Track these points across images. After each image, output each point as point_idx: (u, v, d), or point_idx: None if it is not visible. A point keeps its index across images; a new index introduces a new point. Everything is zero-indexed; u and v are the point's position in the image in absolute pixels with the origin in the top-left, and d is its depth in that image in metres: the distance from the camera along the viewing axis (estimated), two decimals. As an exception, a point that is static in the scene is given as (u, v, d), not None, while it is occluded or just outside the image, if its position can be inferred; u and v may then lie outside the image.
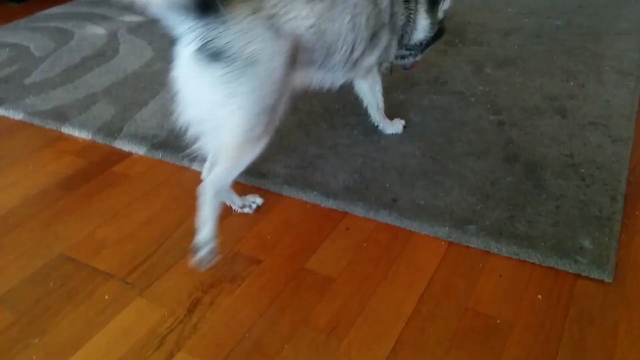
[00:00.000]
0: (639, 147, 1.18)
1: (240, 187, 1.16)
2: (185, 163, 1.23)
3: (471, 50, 1.66)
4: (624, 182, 1.06)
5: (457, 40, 1.74)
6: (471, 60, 1.60)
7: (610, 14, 1.84)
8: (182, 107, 0.90)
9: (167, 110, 1.44)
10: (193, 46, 0.82)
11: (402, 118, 1.33)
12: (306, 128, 1.33)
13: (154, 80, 1.60)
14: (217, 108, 0.87)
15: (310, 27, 0.93)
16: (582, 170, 1.10)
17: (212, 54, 0.82)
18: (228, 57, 0.83)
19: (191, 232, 1.04)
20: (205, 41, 0.82)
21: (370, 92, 1.21)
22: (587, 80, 1.44)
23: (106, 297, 0.90)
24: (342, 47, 1.01)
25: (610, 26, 1.74)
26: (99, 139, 1.35)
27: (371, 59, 1.11)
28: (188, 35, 0.82)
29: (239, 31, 0.83)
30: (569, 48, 1.62)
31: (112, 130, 1.36)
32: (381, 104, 1.24)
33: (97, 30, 1.99)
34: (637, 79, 1.42)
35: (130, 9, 2.16)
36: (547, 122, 1.28)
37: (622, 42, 1.63)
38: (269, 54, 0.86)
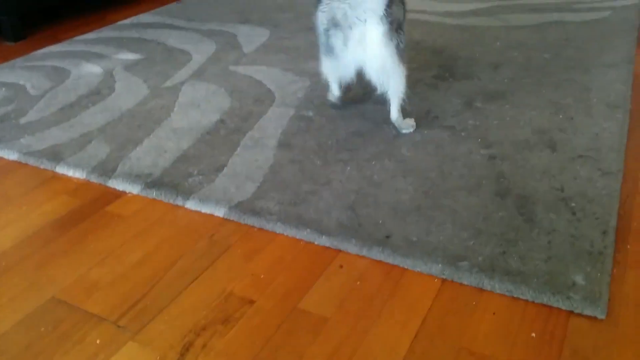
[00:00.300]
0: (628, 180, 1.19)
1: (234, 224, 1.16)
2: (179, 201, 1.24)
3: (461, 84, 1.69)
4: (614, 216, 1.07)
5: (447, 74, 1.77)
6: (462, 94, 1.62)
7: (596, 46, 1.88)
8: (370, 66, 1.41)
9: (161, 148, 1.45)
10: (381, 27, 1.34)
11: (395, 153, 1.35)
12: (300, 164, 1.34)
13: (149, 118, 1.62)
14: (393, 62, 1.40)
15: None
16: (573, 204, 1.11)
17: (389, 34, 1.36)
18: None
19: (184, 272, 1.04)
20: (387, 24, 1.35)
21: None
22: (576, 113, 1.46)
23: (98, 341, 0.90)
24: None
25: (597, 59, 1.78)
26: (94, 178, 1.35)
27: None
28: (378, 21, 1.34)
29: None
30: (558, 81, 1.65)
31: (106, 169, 1.37)
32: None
33: (93, 69, 2.02)
34: (625, 111, 1.44)
35: (126, 46, 2.19)
36: (538, 155, 1.29)
37: (609, 74, 1.66)
38: None
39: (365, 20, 1.35)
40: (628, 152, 1.29)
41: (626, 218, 1.08)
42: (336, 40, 1.41)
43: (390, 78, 1.43)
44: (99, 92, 1.82)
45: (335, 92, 1.61)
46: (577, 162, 1.25)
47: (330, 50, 1.45)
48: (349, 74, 1.49)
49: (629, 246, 1.01)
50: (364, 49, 1.39)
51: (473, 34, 2.10)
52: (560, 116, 1.45)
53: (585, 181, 1.18)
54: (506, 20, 2.21)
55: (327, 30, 1.42)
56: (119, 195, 1.30)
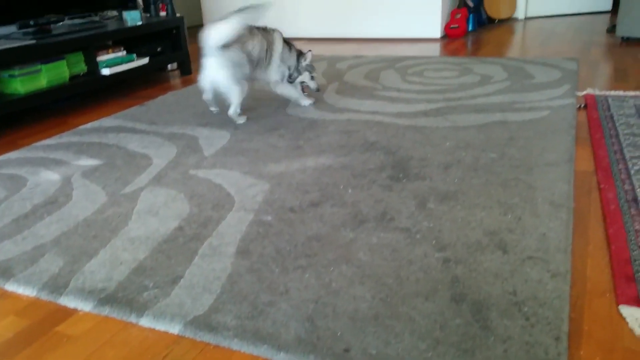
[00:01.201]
0: (577, 280, 1.23)
1: (190, 342, 1.13)
2: (133, 318, 1.21)
3: (414, 185, 1.75)
4: (566, 320, 1.09)
5: (401, 175, 1.83)
6: (415, 195, 1.68)
7: (538, 145, 2.00)
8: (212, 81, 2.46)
9: (117, 259, 1.43)
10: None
11: (352, 258, 1.36)
12: (258, 273, 1.34)
13: (106, 227, 1.61)
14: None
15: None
16: (526, 309, 1.13)
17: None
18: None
19: (135, 400, 0.99)
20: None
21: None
22: (523, 212, 1.52)
23: None
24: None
25: (540, 157, 1.89)
26: (44, 296, 1.31)
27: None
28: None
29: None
30: (504, 180, 1.73)
31: (58, 285, 1.33)
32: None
33: (51, 176, 2.01)
34: (569, 210, 1.52)
35: (86, 152, 2.20)
36: (489, 257, 1.33)
37: (551, 173, 1.76)
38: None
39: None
40: (574, 252, 1.34)
41: (577, 321, 1.10)
42: None
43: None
44: (55, 201, 1.80)
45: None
46: (527, 263, 1.29)
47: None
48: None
49: (582, 352, 1.02)
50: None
51: (424, 134, 2.21)
52: (509, 216, 1.51)
53: (535, 284, 1.21)
54: (454, 121, 2.34)
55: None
56: (70, 313, 1.25)
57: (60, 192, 1.87)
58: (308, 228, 1.54)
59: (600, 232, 1.43)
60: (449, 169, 1.86)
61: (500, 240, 1.40)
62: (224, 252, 1.44)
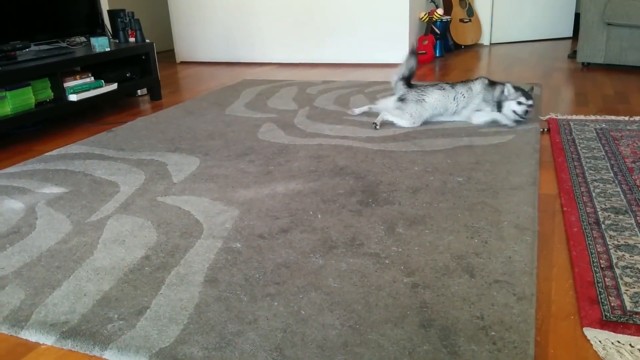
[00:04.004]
0: (542, 303, 1.25)
1: (155, 376, 1.10)
2: (96, 352, 1.17)
3: (383, 209, 1.77)
4: (532, 344, 1.10)
5: (370, 199, 1.85)
6: (384, 220, 1.69)
7: (503, 169, 2.05)
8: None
9: (81, 290, 1.40)
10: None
11: (321, 285, 1.36)
12: (226, 302, 1.32)
13: (70, 257, 1.57)
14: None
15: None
16: (493, 333, 1.14)
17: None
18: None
19: None
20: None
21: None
22: (489, 236, 1.55)
23: None
24: None
25: (505, 181, 1.93)
26: (5, 329, 1.27)
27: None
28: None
29: None
30: (471, 204, 1.76)
31: (19, 318, 1.29)
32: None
33: (15, 205, 1.96)
34: (533, 233, 1.55)
35: (51, 179, 2.16)
36: (457, 282, 1.34)
37: (516, 196, 1.80)
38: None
39: None
40: (539, 275, 1.36)
41: (543, 345, 1.12)
42: None
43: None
44: (18, 231, 1.76)
45: None
46: (493, 287, 1.31)
47: None
48: None
49: (547, 375, 1.04)
50: None
51: (393, 158, 2.24)
52: (476, 240, 1.53)
53: (502, 307, 1.23)
54: (422, 145, 2.38)
55: None
56: (31, 347, 1.21)
57: (24, 222, 1.82)
58: (277, 255, 1.53)
59: (564, 255, 1.46)
60: (417, 193, 1.88)
61: (468, 264, 1.42)
62: (192, 281, 1.42)
